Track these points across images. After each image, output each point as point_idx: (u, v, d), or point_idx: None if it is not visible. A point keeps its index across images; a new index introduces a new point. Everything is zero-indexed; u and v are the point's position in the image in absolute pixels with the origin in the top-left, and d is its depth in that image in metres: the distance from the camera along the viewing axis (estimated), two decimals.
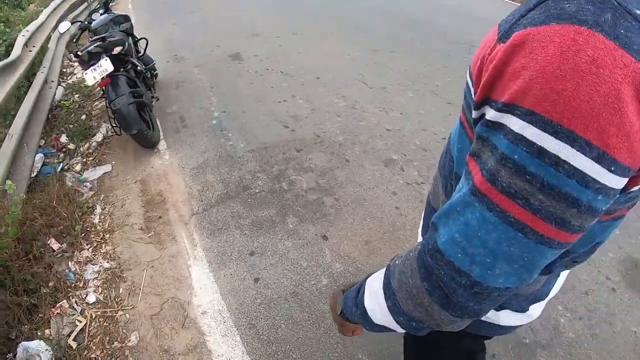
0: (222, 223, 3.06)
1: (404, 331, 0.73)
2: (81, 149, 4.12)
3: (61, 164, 3.86)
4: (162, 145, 4.05)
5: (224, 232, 2.98)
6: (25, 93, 4.30)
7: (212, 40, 6.69)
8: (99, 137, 4.21)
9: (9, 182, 2.80)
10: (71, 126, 4.41)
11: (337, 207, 3.10)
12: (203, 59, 5.98)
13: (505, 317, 0.91)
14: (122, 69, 3.64)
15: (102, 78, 3.42)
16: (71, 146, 4.13)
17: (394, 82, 4.83)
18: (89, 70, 3.38)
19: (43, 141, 4.21)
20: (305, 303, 2.44)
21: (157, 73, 5.10)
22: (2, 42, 5.60)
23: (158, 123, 4.32)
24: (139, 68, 4.03)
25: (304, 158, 3.62)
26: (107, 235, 3.06)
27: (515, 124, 0.49)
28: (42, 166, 3.78)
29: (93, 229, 3.12)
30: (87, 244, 2.97)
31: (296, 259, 2.72)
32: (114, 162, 3.90)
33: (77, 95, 5.22)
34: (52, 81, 5.02)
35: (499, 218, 0.52)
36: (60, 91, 5.14)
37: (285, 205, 3.15)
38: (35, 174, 3.61)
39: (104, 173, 3.76)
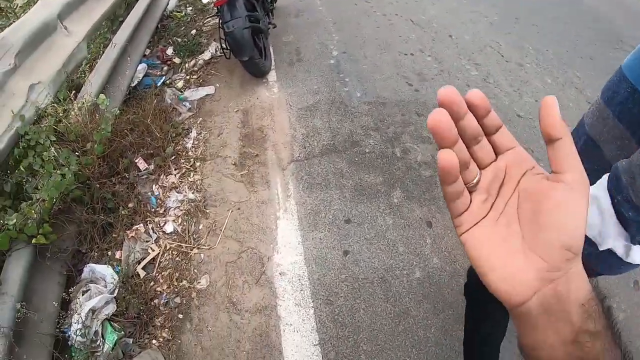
0: (322, 178, 2.76)
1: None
2: (186, 65, 3.94)
3: (163, 78, 3.72)
4: (271, 76, 3.77)
5: (323, 189, 2.69)
6: (137, 0, 4.12)
7: None
8: (206, 55, 4.00)
9: (102, 96, 2.62)
10: (179, 39, 4.25)
11: None
12: None
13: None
14: None
15: None
16: (176, 60, 3.97)
17: (532, 61, 4.15)
18: None
19: (148, 50, 4.08)
20: (392, 293, 2.13)
21: None
22: None
23: (271, 52, 4.02)
24: None
25: (424, 125, 3.15)
26: (198, 164, 2.88)
27: None
28: (143, 77, 3.65)
29: (184, 153, 2.95)
30: (175, 169, 2.81)
31: (393, 241, 2.37)
32: (217, 85, 3.69)
33: (190, 8, 5.03)
34: None
35: None
36: (173, 2, 4.98)
37: (394, 175, 2.77)
38: (135, 83, 3.48)
39: (206, 95, 3.57)
